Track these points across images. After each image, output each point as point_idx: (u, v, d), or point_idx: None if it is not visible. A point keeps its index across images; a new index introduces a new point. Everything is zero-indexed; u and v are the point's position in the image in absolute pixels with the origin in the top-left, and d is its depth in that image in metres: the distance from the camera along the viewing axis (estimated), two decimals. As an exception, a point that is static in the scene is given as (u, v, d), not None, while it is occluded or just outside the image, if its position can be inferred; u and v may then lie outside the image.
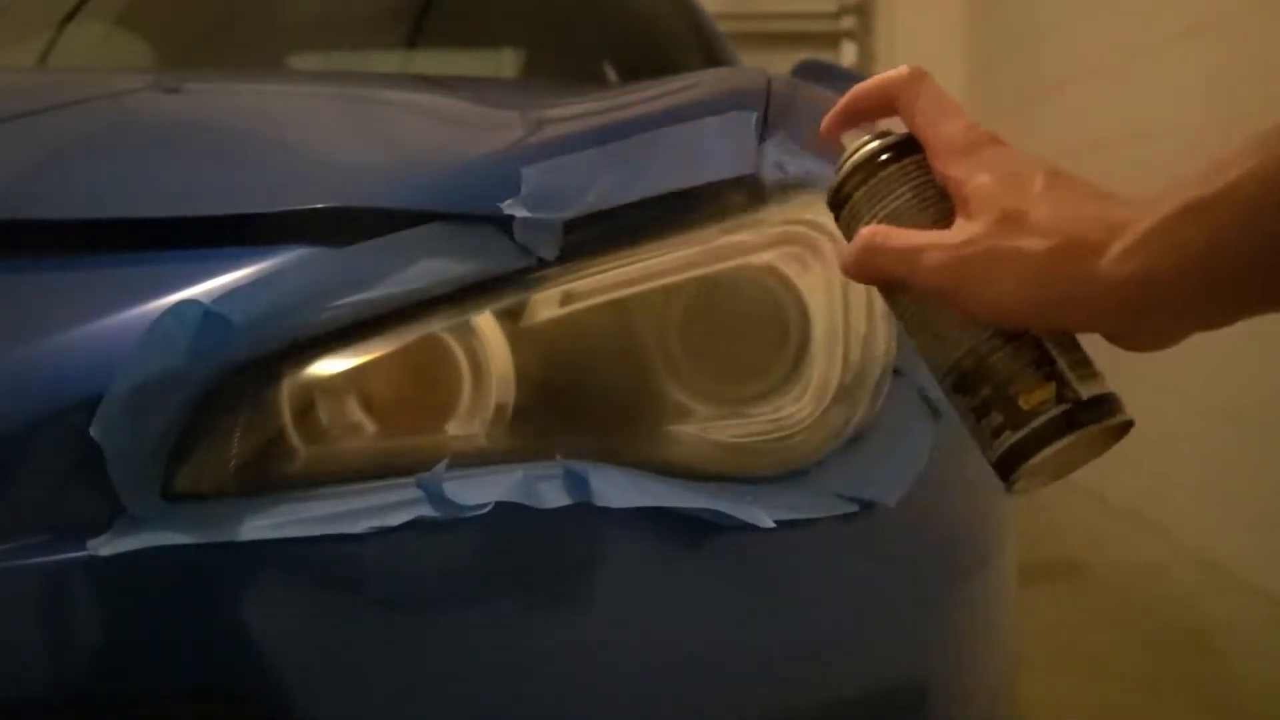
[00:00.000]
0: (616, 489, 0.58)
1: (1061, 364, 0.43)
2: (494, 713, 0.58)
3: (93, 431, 0.53)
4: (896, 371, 0.66)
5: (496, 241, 0.62)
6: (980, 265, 0.41)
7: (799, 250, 0.66)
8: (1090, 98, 3.13)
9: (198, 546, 0.54)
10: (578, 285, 0.63)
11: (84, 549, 0.53)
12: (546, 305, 0.62)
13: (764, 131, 0.70)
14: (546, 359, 0.63)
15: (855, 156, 0.48)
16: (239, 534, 0.54)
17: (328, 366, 0.59)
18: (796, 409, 0.64)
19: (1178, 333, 0.41)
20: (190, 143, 0.77)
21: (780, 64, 1.40)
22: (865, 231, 0.45)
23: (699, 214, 0.66)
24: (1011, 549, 0.80)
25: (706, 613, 0.61)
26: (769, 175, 0.67)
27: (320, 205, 0.62)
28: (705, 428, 0.64)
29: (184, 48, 1.71)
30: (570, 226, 0.62)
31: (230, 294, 0.57)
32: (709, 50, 1.61)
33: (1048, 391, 0.42)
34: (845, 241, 0.48)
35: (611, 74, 1.70)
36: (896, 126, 0.48)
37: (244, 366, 0.57)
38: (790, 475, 0.63)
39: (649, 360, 0.64)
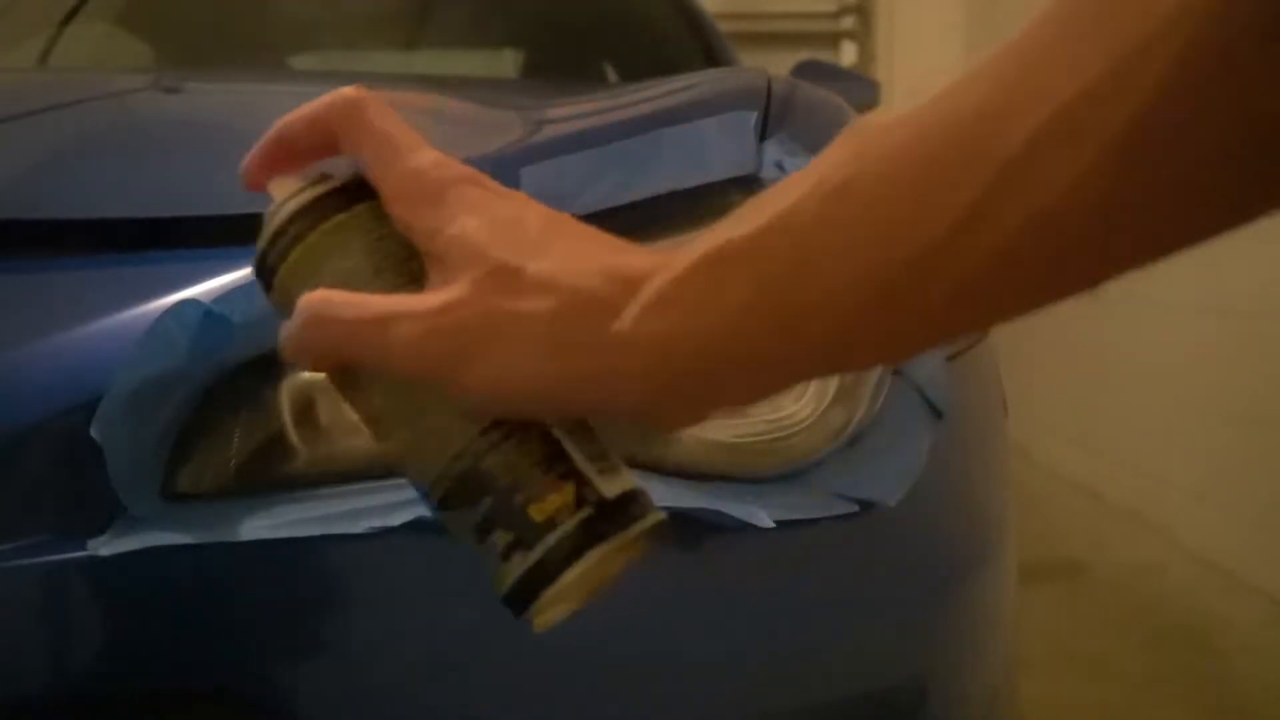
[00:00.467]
0: (616, 489, 0.58)
1: (578, 458, 0.34)
2: (494, 712, 0.58)
3: (93, 431, 0.53)
4: (896, 371, 0.66)
5: (496, 241, 0.62)
6: (469, 337, 0.32)
7: (799, 250, 0.66)
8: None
9: (198, 546, 0.54)
10: (578, 285, 0.63)
11: (84, 549, 0.53)
12: (546, 305, 0.62)
13: (764, 131, 0.70)
14: None
15: (282, 211, 0.36)
16: (239, 534, 0.54)
17: (328, 366, 0.59)
18: (796, 409, 0.64)
19: (712, 406, 0.34)
20: (190, 143, 0.77)
21: (780, 64, 1.41)
22: (307, 299, 0.34)
23: (699, 214, 0.66)
24: (1011, 549, 0.80)
25: (706, 613, 0.61)
26: (769, 175, 0.67)
27: (320, 205, 0.62)
28: (705, 428, 0.64)
29: (184, 48, 1.71)
30: (570, 226, 0.62)
31: (230, 294, 0.57)
32: (709, 50, 1.62)
33: (565, 495, 0.34)
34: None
35: (611, 74, 1.70)
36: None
37: (244, 366, 0.57)
38: (790, 475, 0.63)
39: None
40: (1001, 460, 0.80)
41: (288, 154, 0.37)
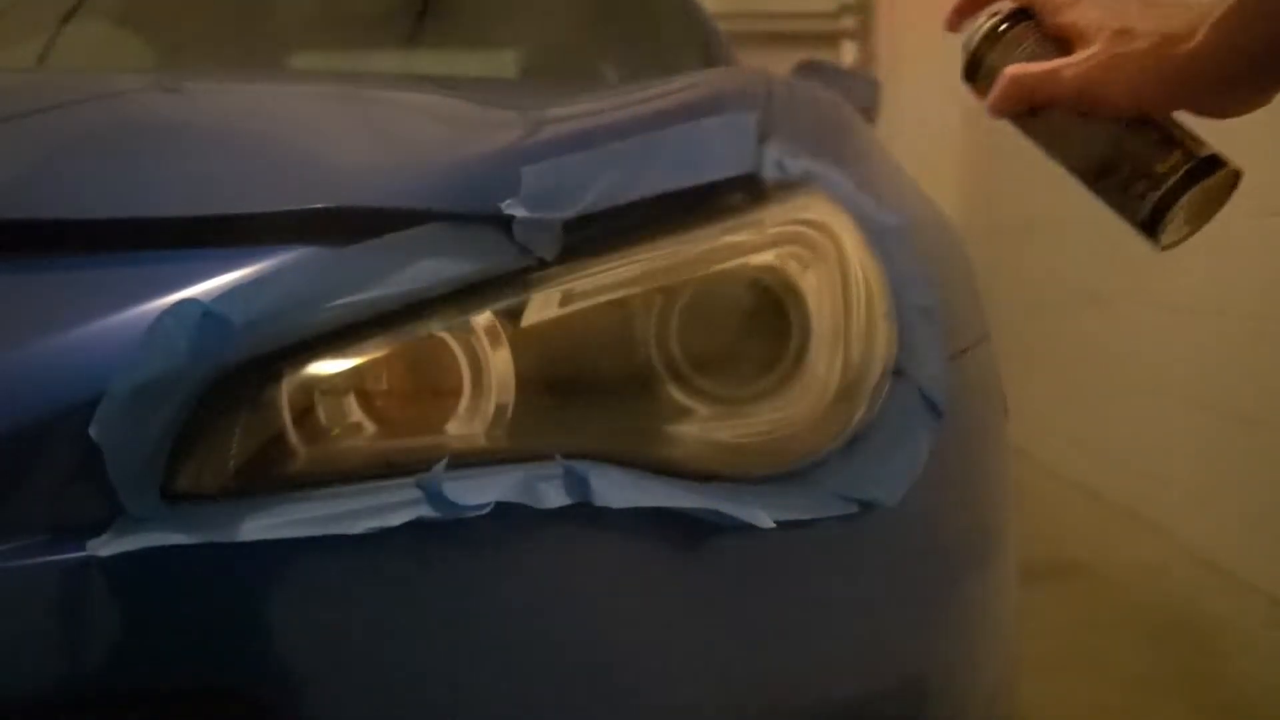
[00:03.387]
0: (616, 489, 0.58)
1: (1178, 135, 0.57)
2: (493, 712, 0.58)
3: (92, 431, 0.53)
4: (896, 371, 0.66)
5: (496, 241, 0.62)
6: (1106, 70, 0.56)
7: (799, 250, 0.66)
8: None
9: (198, 546, 0.54)
10: (578, 285, 0.63)
11: (84, 549, 0.53)
12: (546, 305, 0.62)
13: (764, 131, 0.70)
14: (546, 359, 0.63)
15: (983, 30, 0.64)
16: (239, 534, 0.54)
17: (328, 366, 0.59)
18: (796, 409, 0.64)
19: (1252, 96, 0.55)
20: (190, 143, 0.77)
21: (780, 64, 1.41)
22: (1009, 69, 0.60)
23: (699, 214, 0.66)
24: (1011, 549, 0.80)
25: (706, 613, 0.61)
26: (769, 175, 0.67)
27: (320, 205, 0.63)
28: (705, 428, 0.64)
29: (184, 48, 1.71)
30: (570, 226, 0.63)
31: (230, 294, 0.57)
32: (709, 50, 1.61)
33: (1176, 156, 0.56)
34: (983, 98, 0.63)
35: (611, 74, 1.70)
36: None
37: (244, 366, 0.57)
38: (790, 475, 0.63)
39: (649, 360, 0.64)
40: (1001, 460, 0.80)
41: (972, 5, 0.65)
